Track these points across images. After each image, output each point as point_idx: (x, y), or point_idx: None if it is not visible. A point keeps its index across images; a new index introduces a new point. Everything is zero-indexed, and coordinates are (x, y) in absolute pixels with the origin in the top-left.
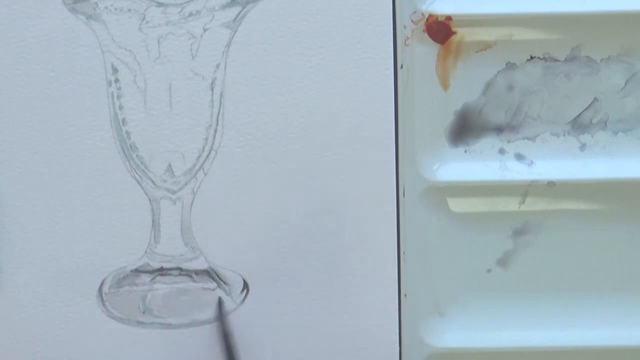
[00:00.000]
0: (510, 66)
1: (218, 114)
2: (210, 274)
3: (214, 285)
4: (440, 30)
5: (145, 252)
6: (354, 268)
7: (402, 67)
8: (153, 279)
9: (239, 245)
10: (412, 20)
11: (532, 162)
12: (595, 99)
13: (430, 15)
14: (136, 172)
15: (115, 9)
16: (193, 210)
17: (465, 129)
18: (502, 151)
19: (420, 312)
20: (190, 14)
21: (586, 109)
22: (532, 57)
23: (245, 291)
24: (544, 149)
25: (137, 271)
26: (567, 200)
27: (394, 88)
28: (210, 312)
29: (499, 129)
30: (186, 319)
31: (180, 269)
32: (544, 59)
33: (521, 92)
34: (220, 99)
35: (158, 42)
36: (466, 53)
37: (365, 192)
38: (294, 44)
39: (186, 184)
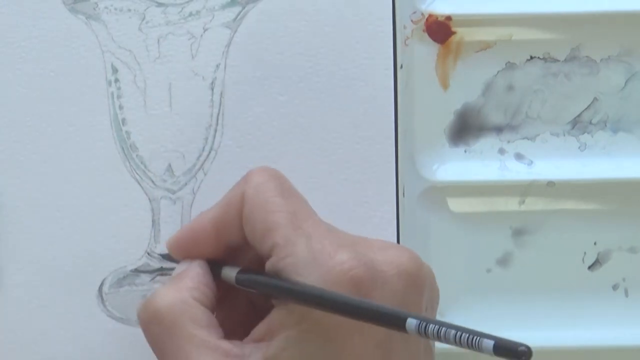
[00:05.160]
0: (510, 66)
1: (218, 114)
2: None
3: None
4: (440, 30)
5: (145, 252)
6: None
7: (402, 67)
8: (153, 279)
9: None
10: (412, 20)
11: (531, 162)
12: (595, 99)
13: (430, 15)
14: (136, 172)
15: (115, 9)
16: (193, 210)
17: (465, 128)
18: (501, 151)
19: None
20: (190, 14)
21: (586, 109)
22: (532, 57)
23: None
24: (543, 149)
25: (137, 271)
26: (567, 200)
27: (394, 88)
28: None
29: (498, 129)
30: None
31: None
32: (544, 59)
33: (521, 92)
34: (220, 99)
35: (158, 42)
36: (466, 53)
37: (365, 192)
38: (294, 44)
39: (186, 184)
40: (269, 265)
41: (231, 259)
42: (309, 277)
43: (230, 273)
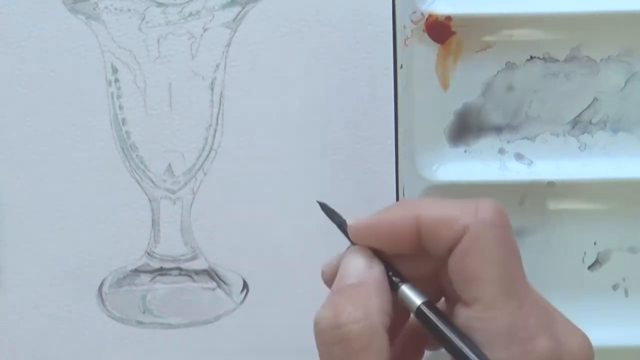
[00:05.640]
0: (510, 66)
1: (218, 114)
2: (210, 274)
3: (214, 285)
4: (440, 30)
5: (145, 252)
6: None
7: (402, 67)
8: (153, 279)
9: (239, 245)
10: (412, 20)
11: (531, 162)
12: (595, 99)
13: (430, 15)
14: (136, 172)
15: (115, 9)
16: (193, 210)
17: (465, 128)
18: (501, 151)
19: None
20: (190, 14)
21: (586, 109)
22: (532, 57)
23: (245, 291)
24: (543, 149)
25: (137, 271)
26: (567, 200)
27: (394, 88)
28: (210, 312)
29: (498, 129)
30: (186, 319)
31: (180, 269)
32: (544, 59)
33: (521, 92)
34: (220, 99)
35: (158, 42)
36: (466, 53)
37: (365, 192)
38: (294, 44)
39: (186, 184)
40: (461, 314)
41: (401, 260)
42: (502, 350)
43: (411, 297)
